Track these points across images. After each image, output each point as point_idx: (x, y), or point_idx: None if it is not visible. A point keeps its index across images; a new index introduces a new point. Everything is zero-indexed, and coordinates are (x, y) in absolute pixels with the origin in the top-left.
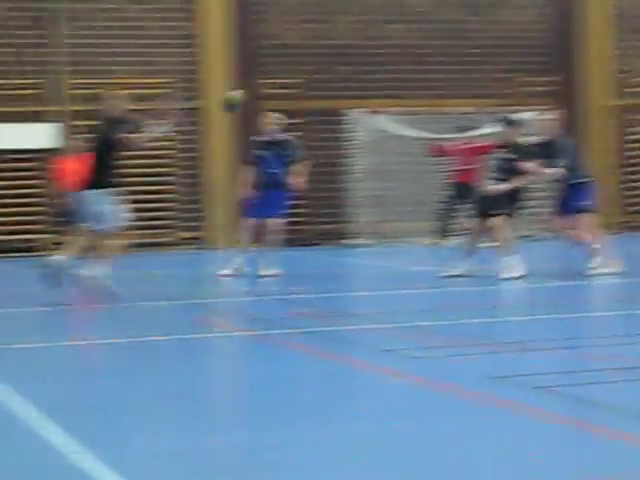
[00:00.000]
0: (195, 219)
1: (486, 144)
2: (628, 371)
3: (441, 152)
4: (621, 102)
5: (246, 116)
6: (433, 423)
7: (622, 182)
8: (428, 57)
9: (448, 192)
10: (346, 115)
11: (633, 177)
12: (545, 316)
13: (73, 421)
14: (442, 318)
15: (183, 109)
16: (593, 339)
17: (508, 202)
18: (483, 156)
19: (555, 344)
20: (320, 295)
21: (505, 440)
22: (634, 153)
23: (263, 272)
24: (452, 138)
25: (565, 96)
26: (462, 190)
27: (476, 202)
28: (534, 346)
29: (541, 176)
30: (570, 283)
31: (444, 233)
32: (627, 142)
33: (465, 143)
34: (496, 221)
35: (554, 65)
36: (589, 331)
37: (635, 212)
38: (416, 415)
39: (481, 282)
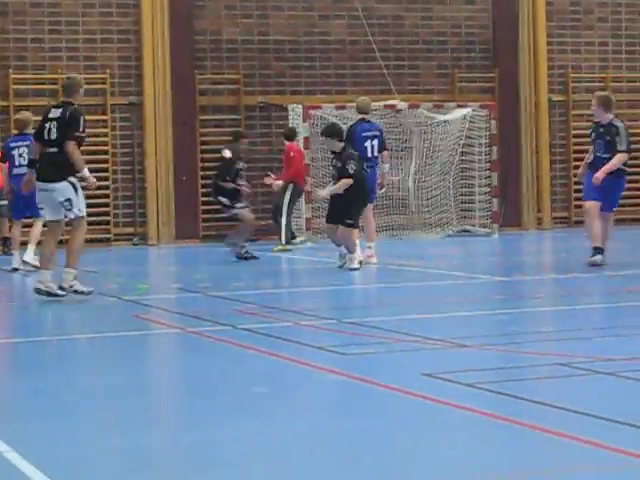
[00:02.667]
0: (133, 215)
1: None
2: (563, 367)
3: None
4: (563, 97)
5: (184, 111)
6: (368, 420)
7: (565, 177)
8: (367, 53)
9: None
10: (286, 110)
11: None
12: (479, 312)
13: (5, 420)
14: (374, 314)
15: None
16: (529, 335)
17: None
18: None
19: (489, 340)
20: (256, 292)
21: (438, 436)
22: (579, 148)
23: None
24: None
25: (506, 91)
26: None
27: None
28: (467, 342)
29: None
30: (507, 279)
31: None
32: (573, 137)
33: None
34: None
35: (495, 60)
36: (525, 327)
37: (579, 206)
38: (351, 412)
39: (418, 278)
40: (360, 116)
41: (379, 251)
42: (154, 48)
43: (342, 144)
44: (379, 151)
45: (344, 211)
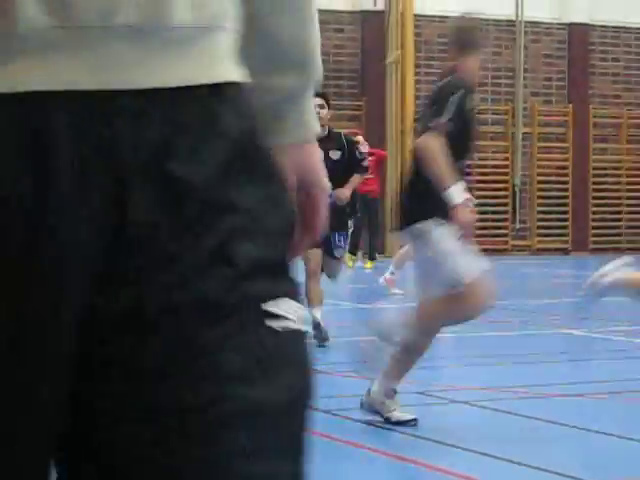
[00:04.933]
0: None
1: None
2: (420, 396)
3: None
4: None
5: None
6: None
7: None
8: None
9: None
10: None
11: None
12: (340, 339)
13: None
14: None
15: None
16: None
17: None
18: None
19: (349, 367)
20: None
21: None
22: None
23: None
24: None
25: (374, 120)
26: None
27: None
28: (327, 369)
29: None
30: (369, 306)
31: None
32: None
33: None
34: None
35: (362, 88)
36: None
37: None
38: None
39: None
40: None
41: None
42: None
43: None
44: None
45: None
